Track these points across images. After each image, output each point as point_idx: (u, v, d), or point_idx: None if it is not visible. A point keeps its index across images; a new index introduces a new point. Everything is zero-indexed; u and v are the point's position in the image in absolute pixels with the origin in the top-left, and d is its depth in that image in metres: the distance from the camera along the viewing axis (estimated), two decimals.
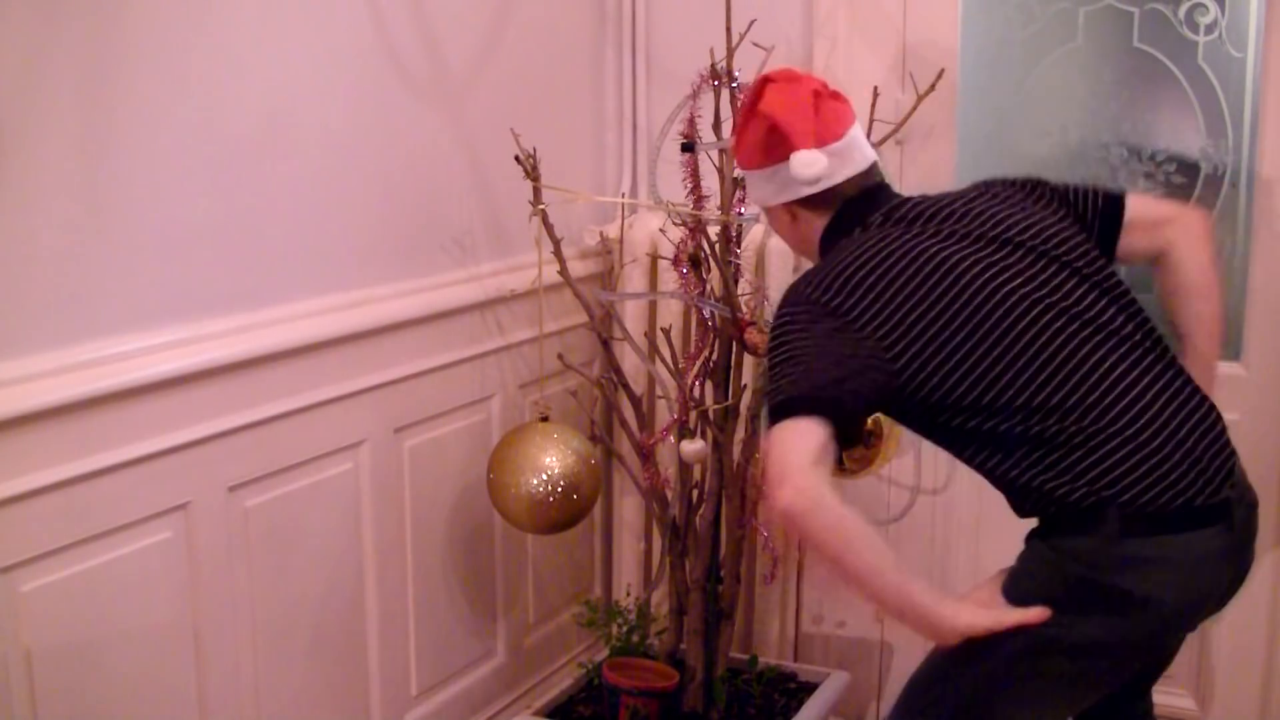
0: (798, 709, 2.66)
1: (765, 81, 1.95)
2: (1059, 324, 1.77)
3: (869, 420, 2.61)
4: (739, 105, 2.04)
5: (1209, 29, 2.60)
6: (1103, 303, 1.81)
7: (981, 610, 1.79)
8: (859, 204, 1.91)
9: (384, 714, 2.49)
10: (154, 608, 1.98)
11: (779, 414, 1.73)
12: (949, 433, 1.82)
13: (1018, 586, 1.82)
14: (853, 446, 1.83)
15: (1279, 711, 2.68)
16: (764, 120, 1.91)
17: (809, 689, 2.76)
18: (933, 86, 2.55)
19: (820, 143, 1.89)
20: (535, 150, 2.49)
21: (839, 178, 1.91)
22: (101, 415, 1.86)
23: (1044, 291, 1.79)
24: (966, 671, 1.83)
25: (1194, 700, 2.76)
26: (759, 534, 2.60)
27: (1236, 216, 2.64)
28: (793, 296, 1.84)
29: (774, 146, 1.91)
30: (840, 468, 2.68)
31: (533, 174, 2.49)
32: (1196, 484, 1.74)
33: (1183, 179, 2.67)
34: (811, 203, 1.92)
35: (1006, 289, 1.77)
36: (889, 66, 2.76)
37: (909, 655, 3.01)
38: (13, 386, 1.74)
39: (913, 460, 2.86)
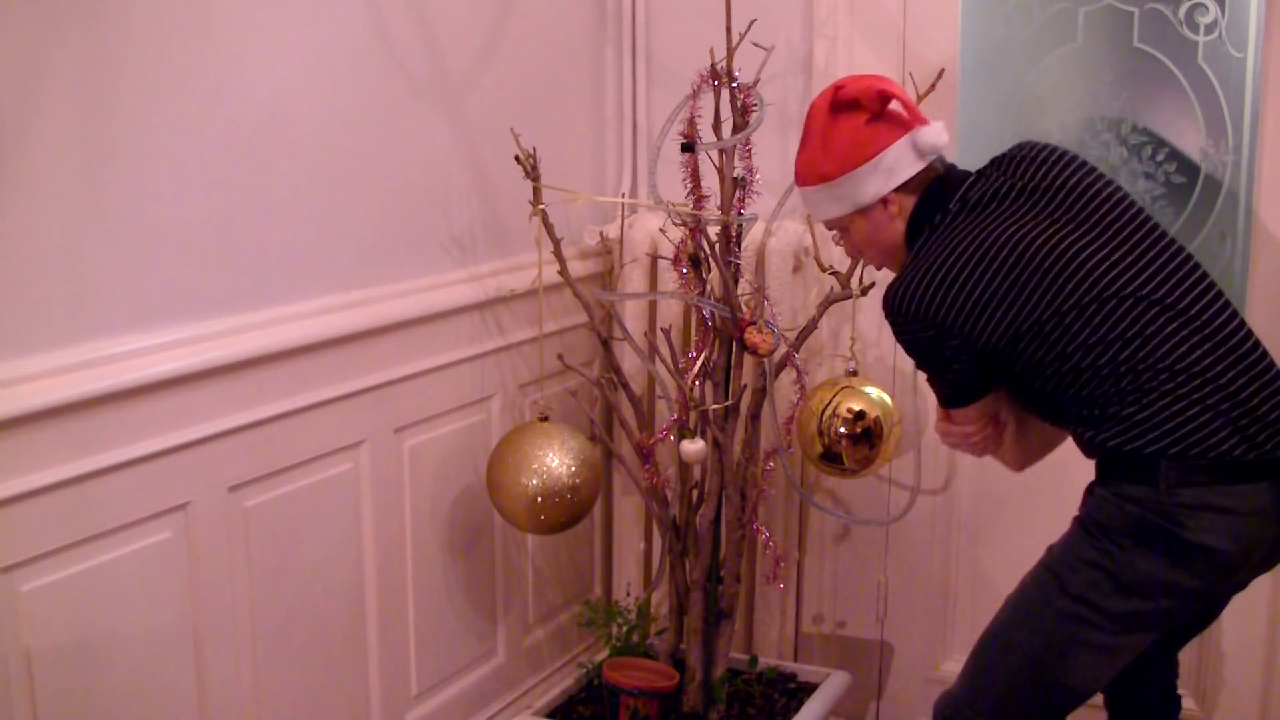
0: (798, 709, 2.66)
1: (838, 86, 2.09)
2: (1119, 289, 1.91)
3: (870, 420, 2.62)
4: (809, 120, 2.11)
5: (1209, 29, 2.60)
6: (1154, 266, 1.93)
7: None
8: (942, 184, 2.06)
9: (384, 714, 2.49)
10: (154, 608, 1.98)
11: (948, 402, 2.11)
12: (1024, 388, 2.01)
13: (1092, 523, 1.95)
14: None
15: (1279, 711, 2.68)
16: (870, 104, 2.03)
17: (809, 689, 2.76)
18: (933, 86, 2.56)
19: (918, 117, 2.08)
20: (535, 150, 2.49)
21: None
22: (101, 415, 1.86)
23: (1107, 262, 1.93)
24: (1035, 617, 1.97)
25: (1194, 700, 2.76)
26: (760, 534, 2.60)
27: (1236, 216, 2.64)
28: (901, 309, 2.02)
29: (884, 131, 2.04)
30: (841, 468, 2.68)
31: (533, 174, 2.49)
32: (1254, 437, 1.86)
33: (1183, 179, 2.67)
34: (909, 184, 2.06)
35: (1070, 254, 1.93)
36: (889, 66, 2.76)
37: (909, 655, 3.01)
38: (13, 386, 1.74)
39: (913, 460, 2.86)
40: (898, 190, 2.06)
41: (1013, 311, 1.93)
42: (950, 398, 2.09)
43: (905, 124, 2.06)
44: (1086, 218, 1.97)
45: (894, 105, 2.06)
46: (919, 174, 2.05)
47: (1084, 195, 1.99)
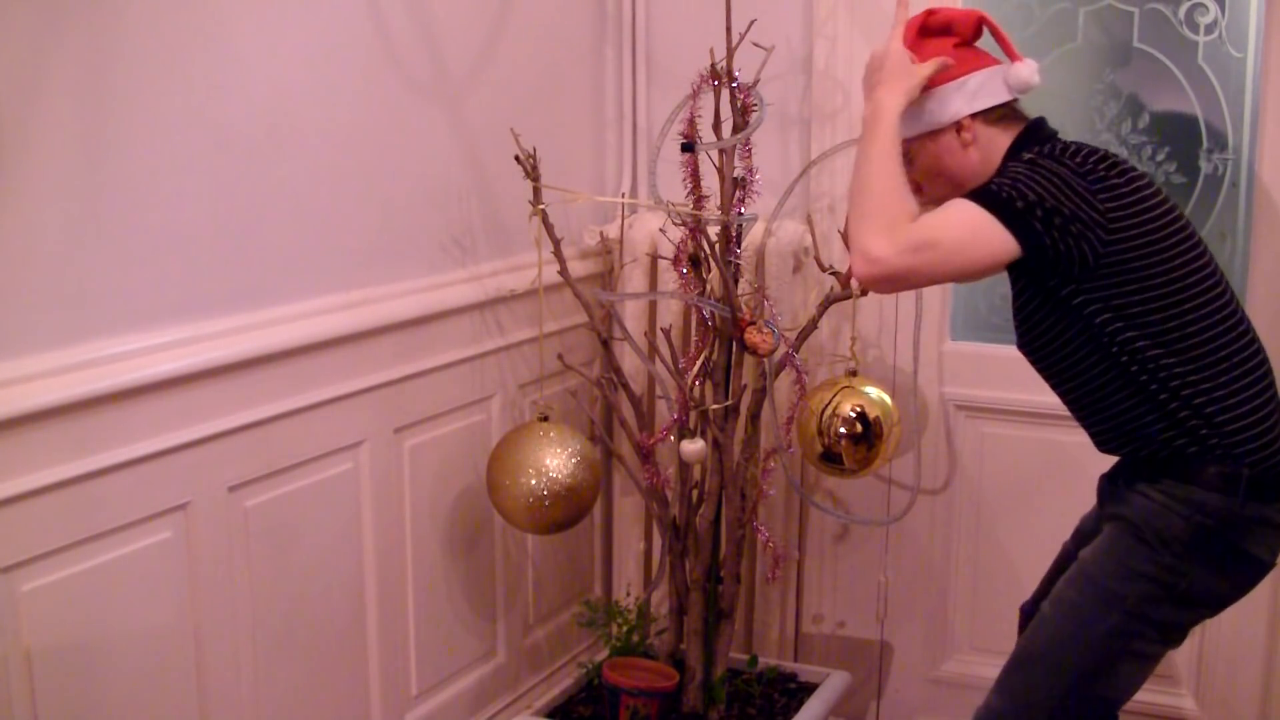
0: (798, 709, 2.66)
1: (930, 12, 2.04)
2: (1221, 282, 1.92)
3: (871, 419, 2.62)
4: (912, 26, 2.04)
5: (1209, 29, 2.60)
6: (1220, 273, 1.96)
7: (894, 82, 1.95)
8: (1042, 124, 2.01)
9: (384, 714, 2.49)
10: (154, 608, 1.98)
11: (981, 197, 1.83)
12: (1103, 342, 1.88)
13: (1149, 532, 1.89)
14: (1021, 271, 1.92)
15: (1279, 711, 2.68)
16: (963, 30, 2.00)
17: (809, 689, 2.76)
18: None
19: (1013, 54, 2.01)
20: (535, 150, 2.49)
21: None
22: (101, 415, 1.86)
23: (1207, 255, 1.94)
24: (1088, 633, 1.93)
25: (1194, 700, 2.76)
26: (760, 534, 2.60)
27: (1236, 216, 2.64)
28: (1074, 151, 1.89)
29: (974, 56, 2.00)
30: (841, 468, 2.68)
31: (533, 174, 2.50)
32: None
33: (1183, 179, 2.67)
34: (997, 118, 1.99)
35: (1194, 240, 1.93)
36: None
37: (909, 655, 3.01)
38: (13, 386, 1.74)
39: (913, 460, 2.86)
40: (978, 118, 1.99)
41: (1166, 231, 1.87)
42: (1016, 214, 1.80)
43: (995, 58, 2.02)
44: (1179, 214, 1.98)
45: (987, 37, 2.03)
46: (1004, 107, 2.00)
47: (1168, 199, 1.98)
